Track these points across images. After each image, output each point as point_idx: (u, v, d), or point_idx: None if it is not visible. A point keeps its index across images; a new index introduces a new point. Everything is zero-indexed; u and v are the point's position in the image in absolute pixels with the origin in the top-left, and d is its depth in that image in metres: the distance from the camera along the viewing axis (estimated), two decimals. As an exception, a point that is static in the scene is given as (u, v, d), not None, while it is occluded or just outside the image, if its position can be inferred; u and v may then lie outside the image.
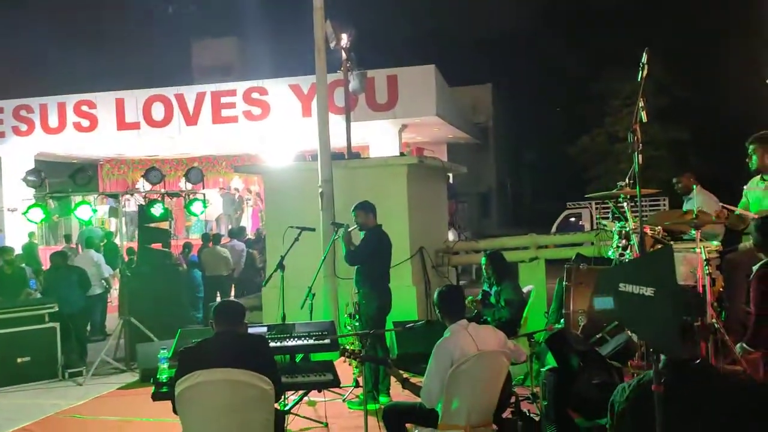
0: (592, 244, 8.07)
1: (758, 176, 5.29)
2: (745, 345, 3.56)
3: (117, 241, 12.13)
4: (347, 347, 4.20)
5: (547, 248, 9.47)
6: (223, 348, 3.55)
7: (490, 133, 25.50)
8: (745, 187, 5.46)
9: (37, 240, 14.69)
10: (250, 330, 4.72)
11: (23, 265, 10.66)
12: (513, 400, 4.35)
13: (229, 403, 3.35)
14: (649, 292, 2.26)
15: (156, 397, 4.00)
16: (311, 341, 4.51)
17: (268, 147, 15.82)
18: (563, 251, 9.10)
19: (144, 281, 8.73)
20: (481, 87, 25.18)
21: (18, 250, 10.91)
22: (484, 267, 6.50)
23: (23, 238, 14.58)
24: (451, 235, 13.52)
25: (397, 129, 14.86)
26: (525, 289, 6.75)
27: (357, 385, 5.66)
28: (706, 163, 21.55)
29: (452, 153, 20.45)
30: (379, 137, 14.86)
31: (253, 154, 17.18)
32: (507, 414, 4.28)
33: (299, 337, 4.57)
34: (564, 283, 5.43)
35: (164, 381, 4.03)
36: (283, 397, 4.22)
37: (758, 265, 3.66)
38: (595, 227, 11.05)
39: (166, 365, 4.13)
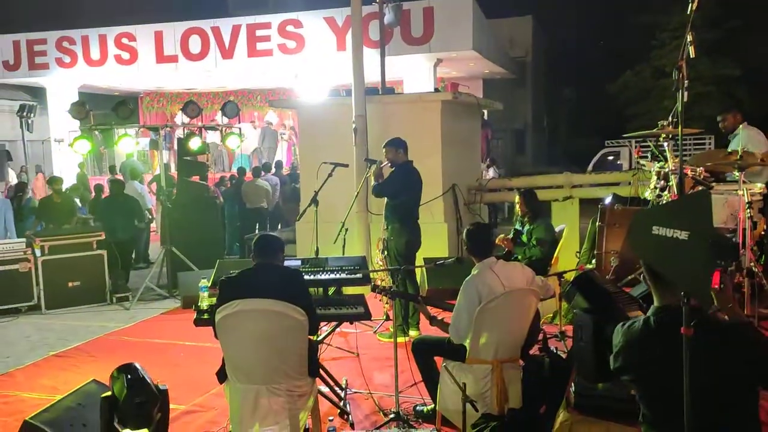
0: (630, 184, 7.95)
1: None
2: None
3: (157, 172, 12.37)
4: (378, 283, 4.29)
5: (582, 187, 9.35)
6: (260, 279, 3.66)
7: (527, 67, 24.82)
8: None
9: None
10: (286, 263, 4.86)
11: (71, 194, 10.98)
12: (541, 337, 4.42)
13: (265, 332, 3.49)
14: (683, 236, 2.23)
15: (198, 323, 4.17)
16: (343, 275, 4.59)
17: (302, 81, 15.71)
18: (598, 191, 9.00)
19: (183, 213, 8.96)
20: (520, 19, 24.35)
21: (66, 180, 11.22)
22: (517, 205, 6.47)
23: (69, 168, 15.01)
24: (491, 173, 13.45)
25: (432, 64, 14.56)
26: (557, 229, 6.73)
27: (388, 318, 5.80)
28: (756, 100, 20.73)
29: (488, 88, 20.03)
30: (414, 72, 14.60)
31: (288, 88, 17.11)
32: (534, 351, 4.35)
33: (332, 271, 4.66)
34: (597, 223, 5.38)
35: (205, 308, 4.19)
36: (318, 326, 4.36)
37: None
38: (633, 167, 10.82)
39: (206, 293, 4.30)
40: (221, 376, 3.72)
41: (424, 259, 7.00)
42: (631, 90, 25.25)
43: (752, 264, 4.58)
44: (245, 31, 14.32)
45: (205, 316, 4.11)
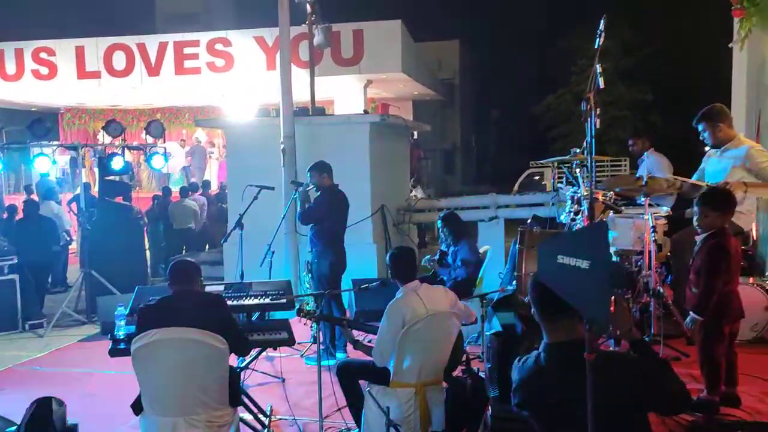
0: (553, 204, 8.26)
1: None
2: (692, 314, 3.72)
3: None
4: (303, 307, 4.28)
5: (507, 208, 9.63)
6: (180, 307, 3.60)
7: (456, 89, 25.43)
8: (705, 155, 5.57)
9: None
10: (208, 288, 4.79)
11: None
12: (464, 358, 4.51)
13: (183, 361, 3.42)
14: (585, 264, 2.36)
15: (113, 353, 4.04)
16: (267, 300, 4.57)
17: (231, 100, 15.55)
18: (522, 211, 9.28)
19: (105, 234, 8.66)
20: (448, 43, 24.98)
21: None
22: (440, 228, 6.60)
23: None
24: (419, 193, 13.64)
25: (363, 84, 14.74)
26: (481, 250, 6.91)
27: (315, 341, 5.77)
28: (669, 124, 21.92)
29: (418, 109, 20.39)
30: (345, 92, 14.71)
31: (217, 107, 16.89)
32: (458, 372, 4.43)
33: (256, 296, 4.62)
34: (517, 245, 5.56)
35: (121, 338, 4.07)
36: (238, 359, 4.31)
37: (704, 236, 3.79)
38: (555, 188, 11.24)
39: (123, 322, 4.17)
40: (137, 408, 3.62)
41: (352, 280, 7.03)
42: (553, 113, 26.25)
43: (658, 285, 4.85)
44: (172, 49, 14.07)
45: (122, 346, 3.99)
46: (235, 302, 4.53)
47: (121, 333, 4.08)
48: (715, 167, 5.29)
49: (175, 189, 12.71)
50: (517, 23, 30.82)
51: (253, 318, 4.64)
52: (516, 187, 18.92)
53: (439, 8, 29.53)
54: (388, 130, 9.64)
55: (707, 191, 3.87)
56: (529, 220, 7.55)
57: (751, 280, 5.19)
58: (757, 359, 4.67)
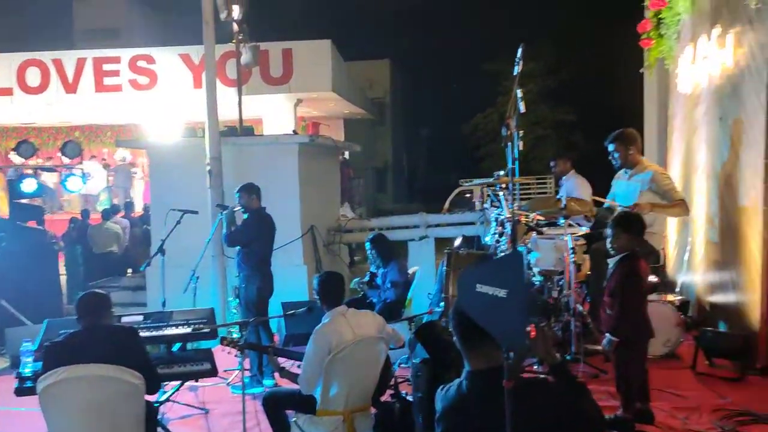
0: (482, 223, 8.41)
1: (623, 169, 5.66)
2: (609, 336, 3.85)
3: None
4: (227, 336, 4.18)
5: (437, 227, 9.75)
6: (90, 343, 3.43)
7: (387, 108, 25.71)
8: (614, 178, 5.83)
9: None
10: (125, 319, 4.61)
11: None
12: (393, 382, 4.50)
13: (95, 400, 3.25)
14: (502, 293, 2.40)
15: (19, 392, 3.81)
16: (189, 330, 4.43)
17: (155, 119, 15.13)
18: (452, 230, 9.43)
19: (15, 261, 8.19)
20: (378, 62, 25.27)
21: None
22: (368, 250, 6.61)
23: None
24: (347, 211, 13.63)
25: (293, 103, 14.66)
26: (411, 270, 6.96)
27: (242, 369, 5.63)
28: (590, 143, 22.83)
29: (349, 128, 20.46)
30: (274, 111, 14.58)
31: (140, 125, 16.38)
32: (386, 397, 4.42)
33: (177, 326, 4.47)
34: (444, 267, 5.63)
35: (28, 375, 3.84)
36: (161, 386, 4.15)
37: (617, 259, 3.92)
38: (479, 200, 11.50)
39: (30, 358, 3.94)
40: (46, 451, 3.42)
41: (282, 303, 6.94)
42: (481, 132, 26.91)
43: (578, 304, 5.00)
44: (92, 65, 13.57)
45: (29, 384, 3.76)
46: (154, 333, 4.37)
47: (27, 370, 3.85)
48: (625, 190, 5.53)
49: (95, 211, 12.22)
50: (447, 44, 31.52)
51: (174, 349, 4.48)
52: (446, 205, 19.20)
53: (369, 28, 29.88)
54: (317, 150, 9.61)
55: (619, 215, 4.04)
56: (458, 241, 7.67)
57: (663, 297, 5.43)
58: (669, 374, 4.86)
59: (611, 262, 3.92)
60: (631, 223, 3.92)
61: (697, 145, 6.34)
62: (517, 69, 4.88)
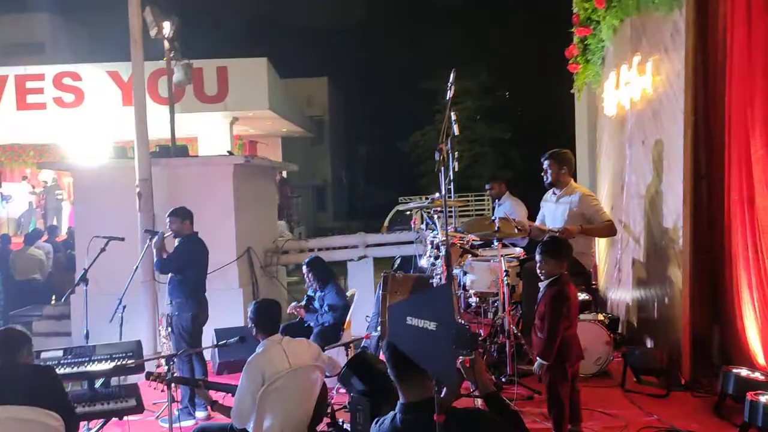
0: (420, 242, 8.45)
1: (551, 190, 5.80)
2: (539, 359, 3.90)
3: None
4: (153, 371, 4.02)
5: (377, 246, 9.74)
6: (5, 383, 3.22)
7: (325, 126, 25.67)
8: (542, 200, 5.97)
9: None
10: (45, 354, 4.37)
11: None
12: (329, 410, 4.43)
13: (11, 445, 3.06)
14: (432, 326, 2.39)
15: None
16: (112, 365, 4.23)
17: (81, 138, 14.60)
18: (391, 249, 9.43)
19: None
20: (317, 80, 25.25)
21: None
22: (305, 273, 6.52)
23: None
24: (286, 230, 13.47)
25: (229, 121, 14.45)
26: (349, 293, 6.90)
27: (170, 403, 5.43)
28: (526, 160, 23.46)
29: (287, 146, 20.32)
30: (210, 129, 14.34)
31: (66, 145, 15.76)
32: (323, 426, 4.34)
33: (100, 361, 4.27)
34: (381, 291, 5.60)
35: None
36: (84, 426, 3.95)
37: (546, 283, 3.99)
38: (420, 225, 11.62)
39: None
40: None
41: (215, 330, 6.75)
42: (420, 149, 27.24)
43: (512, 326, 5.07)
44: (13, 82, 13.02)
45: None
46: (75, 369, 4.15)
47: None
48: (553, 213, 5.67)
49: (16, 236, 11.66)
50: (385, 62, 31.85)
51: (98, 385, 4.27)
52: (386, 223, 19.29)
53: (308, 46, 29.89)
54: (253, 170, 9.46)
55: (545, 241, 4.10)
56: (396, 261, 7.68)
57: (594, 316, 5.57)
58: (600, 393, 4.97)
59: (542, 285, 3.99)
60: (557, 249, 3.99)
61: (622, 167, 6.57)
62: (449, 94, 4.95)
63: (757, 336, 4.37)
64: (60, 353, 4.27)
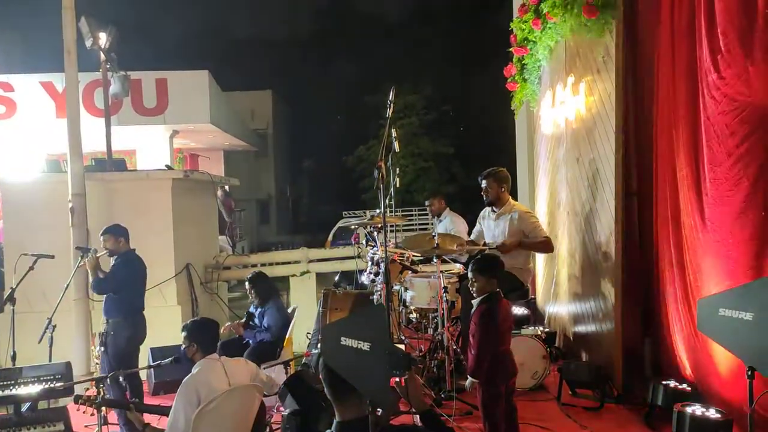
0: (360, 258, 8.45)
1: (490, 207, 5.91)
2: (469, 377, 3.92)
3: None
4: (82, 394, 3.87)
5: (319, 261, 9.69)
6: None
7: (269, 139, 25.47)
8: (479, 217, 6.07)
9: None
10: (-34, 378, 4.16)
11: None
12: (268, 430, 4.36)
13: None
14: (366, 346, 2.40)
15: None
16: (40, 388, 4.06)
17: (12, 151, 14.01)
18: (334, 264, 9.40)
19: None
20: (260, 93, 25.06)
21: None
22: (248, 290, 6.43)
23: None
24: (227, 245, 13.25)
25: (169, 134, 14.16)
26: (290, 309, 6.83)
27: (100, 426, 5.24)
28: (468, 174, 23.82)
29: (230, 159, 20.07)
30: (149, 142, 14.01)
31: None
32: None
33: (26, 383, 4.09)
34: (320, 308, 5.57)
35: None
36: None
37: (477, 300, 4.01)
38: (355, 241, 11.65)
39: None
40: None
41: (150, 348, 6.56)
42: (365, 163, 27.30)
43: (452, 341, 5.11)
44: (-60, 91, 12.46)
45: None
46: (0, 393, 3.96)
47: None
48: (493, 230, 5.78)
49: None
50: (329, 76, 31.89)
51: (24, 409, 4.08)
52: (330, 237, 19.23)
53: (251, 58, 29.66)
54: (193, 185, 9.27)
55: (475, 258, 4.14)
56: (337, 277, 7.65)
57: (531, 330, 5.68)
58: (537, 406, 5.06)
59: (474, 303, 4.02)
60: (487, 266, 4.01)
61: (559, 184, 6.76)
62: (389, 111, 4.99)
63: (683, 349, 4.55)
64: (-19, 378, 4.06)
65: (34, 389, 4.04)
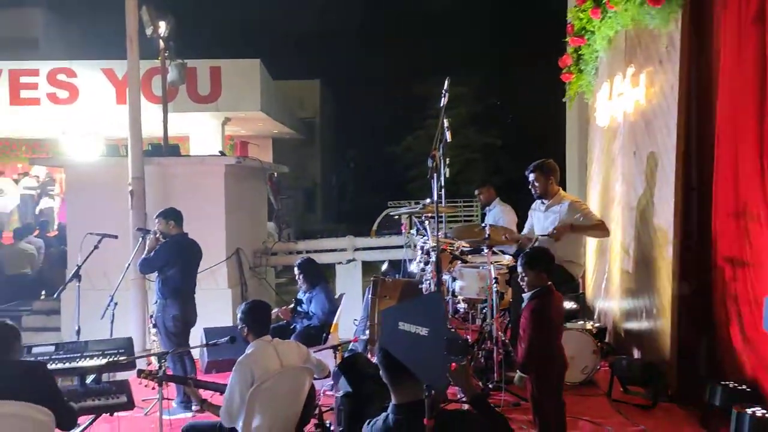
0: (409, 247, 8.48)
1: (540, 200, 5.84)
2: (519, 372, 3.92)
3: None
4: (144, 369, 4.03)
5: (365, 250, 9.77)
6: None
7: (316, 128, 25.68)
8: (530, 209, 6.00)
9: None
10: (36, 349, 4.38)
11: None
12: (317, 412, 4.45)
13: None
14: (424, 332, 2.43)
15: None
16: (104, 361, 4.24)
17: (74, 135, 14.55)
18: (380, 253, 9.47)
19: None
20: (309, 82, 25.25)
21: None
22: (297, 275, 6.54)
23: None
24: (274, 231, 13.46)
25: (220, 122, 14.45)
26: (337, 295, 6.92)
27: (160, 400, 5.42)
28: (515, 167, 23.55)
29: (278, 147, 20.33)
30: (201, 129, 14.33)
31: (59, 140, 15.70)
32: (310, 427, 4.36)
33: (92, 357, 4.28)
34: (370, 295, 5.63)
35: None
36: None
37: (528, 295, 3.96)
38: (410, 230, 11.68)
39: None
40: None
41: (204, 329, 6.75)
42: (411, 154, 27.27)
43: (500, 332, 5.11)
44: (7, 77, 12.96)
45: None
46: (67, 365, 4.17)
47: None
48: (543, 223, 5.70)
49: (7, 231, 11.61)
50: (377, 65, 31.86)
51: (88, 381, 4.27)
52: (374, 227, 19.30)
53: (300, 48, 29.89)
54: (244, 171, 9.47)
55: (525, 253, 4.09)
56: (384, 266, 7.69)
57: (581, 324, 5.62)
58: (586, 402, 5.00)
59: (524, 297, 3.99)
60: (536, 261, 3.95)
61: (613, 177, 6.64)
62: (443, 101, 4.98)
63: (743, 348, 4.43)
64: (52, 348, 4.28)
65: (98, 362, 4.22)
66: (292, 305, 6.58)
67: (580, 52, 7.19)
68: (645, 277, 5.54)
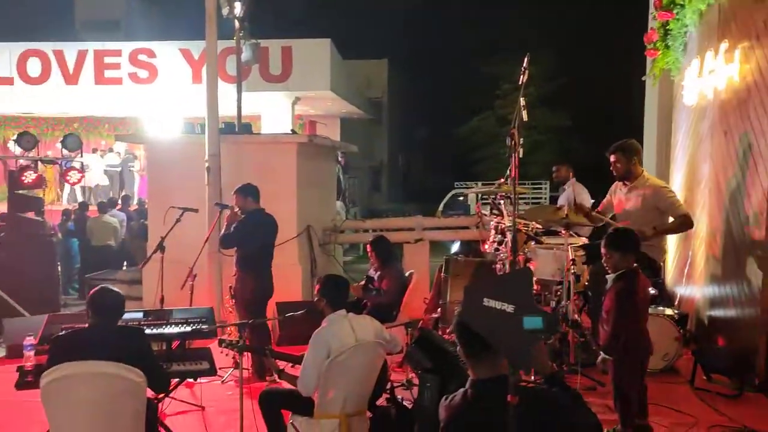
0: (477, 228, 8.41)
1: (621, 181, 5.64)
2: (602, 354, 3.83)
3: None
4: (225, 337, 4.16)
5: (433, 230, 9.73)
6: (95, 340, 3.42)
7: (384, 108, 25.65)
8: (609, 191, 5.81)
9: None
10: (126, 316, 4.59)
11: None
12: (388, 386, 4.49)
13: (95, 396, 3.24)
14: (510, 308, 2.39)
15: (20, 386, 3.80)
16: (188, 329, 4.41)
17: (154, 113, 15.07)
18: (447, 233, 9.42)
19: (13, 252, 8.13)
20: (376, 62, 25.19)
21: None
22: (368, 252, 6.59)
23: None
24: (342, 210, 13.61)
25: (291, 101, 14.64)
26: (407, 273, 6.93)
27: (240, 368, 5.60)
28: (586, 148, 22.93)
29: (345, 126, 20.44)
30: (272, 108, 14.56)
31: (139, 118, 16.32)
32: (382, 401, 4.41)
33: (176, 324, 4.46)
34: (442, 273, 5.61)
35: (29, 370, 3.83)
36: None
37: (613, 276, 3.87)
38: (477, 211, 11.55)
39: (32, 353, 3.92)
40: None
41: (276, 303, 6.90)
42: (478, 135, 26.91)
43: (576, 315, 5.00)
44: (92, 57, 13.53)
45: (30, 379, 3.75)
46: (154, 330, 4.35)
47: (29, 365, 3.83)
48: (624, 205, 5.50)
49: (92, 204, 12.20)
50: (445, 45, 31.48)
51: (173, 348, 4.46)
52: (441, 206, 19.22)
53: (368, 27, 29.80)
54: (315, 150, 9.57)
55: (610, 234, 3.97)
56: (455, 246, 7.66)
57: (662, 311, 5.44)
58: (668, 389, 4.87)
59: (609, 279, 3.89)
60: (623, 242, 3.85)
61: (701, 158, 6.35)
62: (522, 78, 4.87)
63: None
64: (140, 315, 4.48)
65: (183, 330, 4.40)
66: (363, 282, 6.64)
67: (667, 27, 6.85)
68: (733, 263, 5.30)
